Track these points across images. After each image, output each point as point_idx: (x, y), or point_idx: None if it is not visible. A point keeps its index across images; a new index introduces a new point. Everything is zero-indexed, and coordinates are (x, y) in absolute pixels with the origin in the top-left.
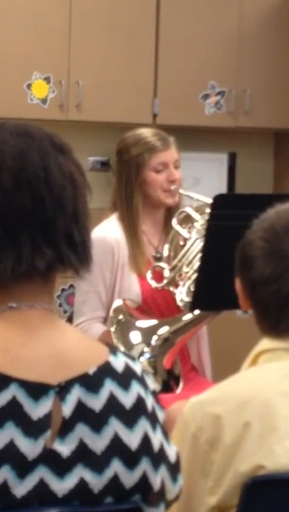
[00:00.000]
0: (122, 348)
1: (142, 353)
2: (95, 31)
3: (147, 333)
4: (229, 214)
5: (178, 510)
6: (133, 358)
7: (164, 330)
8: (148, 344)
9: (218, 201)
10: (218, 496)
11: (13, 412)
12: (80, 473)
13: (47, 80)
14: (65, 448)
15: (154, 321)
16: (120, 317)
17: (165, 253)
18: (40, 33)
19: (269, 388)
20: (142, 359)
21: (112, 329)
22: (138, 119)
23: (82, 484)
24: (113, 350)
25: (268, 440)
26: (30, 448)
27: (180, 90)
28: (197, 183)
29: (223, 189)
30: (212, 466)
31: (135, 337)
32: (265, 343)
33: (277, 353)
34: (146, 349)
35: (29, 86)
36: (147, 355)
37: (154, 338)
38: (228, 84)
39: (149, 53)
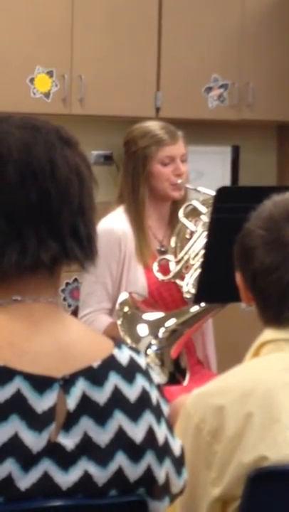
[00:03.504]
0: (129, 341)
1: (149, 346)
2: (98, 25)
3: (154, 326)
4: (232, 207)
5: (181, 501)
6: (138, 352)
7: (172, 322)
8: (155, 336)
9: (222, 194)
10: (221, 487)
11: (17, 405)
12: (85, 466)
13: (50, 74)
14: (69, 441)
15: (160, 314)
16: (127, 310)
17: (172, 245)
18: (42, 27)
19: (271, 379)
20: (150, 351)
21: (119, 322)
22: (141, 113)
23: (87, 477)
24: (118, 343)
25: (271, 431)
26: (34, 441)
27: (183, 83)
28: (200, 176)
29: (226, 182)
30: (215, 457)
31: (142, 330)
32: (268, 334)
33: (280, 343)
34: (153, 341)
35: (32, 80)
36: (154, 348)
37: (162, 330)
38: (231, 77)
39: (151, 47)
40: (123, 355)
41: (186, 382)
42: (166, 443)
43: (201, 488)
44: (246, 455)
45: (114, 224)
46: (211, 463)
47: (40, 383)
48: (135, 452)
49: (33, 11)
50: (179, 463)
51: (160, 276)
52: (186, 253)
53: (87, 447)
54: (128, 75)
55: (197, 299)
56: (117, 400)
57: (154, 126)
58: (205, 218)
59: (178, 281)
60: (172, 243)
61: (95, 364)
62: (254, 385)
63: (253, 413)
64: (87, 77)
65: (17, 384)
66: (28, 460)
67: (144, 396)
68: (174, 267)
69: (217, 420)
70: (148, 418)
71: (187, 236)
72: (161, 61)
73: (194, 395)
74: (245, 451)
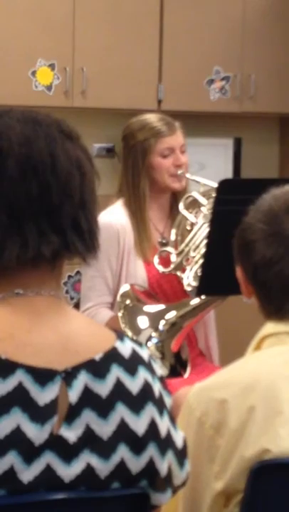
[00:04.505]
0: (129, 333)
1: (149, 338)
2: (99, 17)
3: (155, 318)
4: (234, 199)
5: (184, 494)
6: (140, 344)
7: (172, 314)
8: (156, 329)
9: (224, 186)
10: (224, 480)
11: (19, 398)
12: (87, 458)
13: (51, 66)
14: (71, 434)
15: (161, 306)
16: (128, 302)
17: (172, 237)
18: (44, 19)
19: (273, 372)
20: (150, 344)
21: (120, 314)
22: (143, 105)
23: (89, 470)
24: (120, 336)
25: (273, 424)
26: (36, 433)
27: (185, 76)
28: (202, 168)
29: (228, 174)
30: (218, 451)
31: (143, 322)
32: (269, 327)
33: (281, 337)
34: (153, 334)
35: (34, 73)
36: (155, 340)
37: (162, 322)
38: (233, 69)
39: (153, 39)
40: (125, 348)
41: (187, 375)
42: (169, 435)
43: (204, 481)
44: (249, 448)
45: (112, 218)
46: (214, 456)
47: (42, 376)
48: (137, 444)
49: (35, 4)
50: (181, 455)
51: (161, 268)
52: (186, 245)
53: (89, 440)
54: (130, 67)
55: (199, 291)
56: (119, 392)
57: (151, 118)
58: (205, 210)
59: (179, 274)
60: (172, 235)
61: (97, 357)
62: (256, 379)
63: (255, 406)
64: (89, 70)
65: (19, 377)
66: (30, 453)
67: (147, 388)
68: (174, 259)
69: (220, 414)
70: (150, 410)
71: (188, 228)
72: (163, 54)
73: (196, 388)
74: (247, 445)
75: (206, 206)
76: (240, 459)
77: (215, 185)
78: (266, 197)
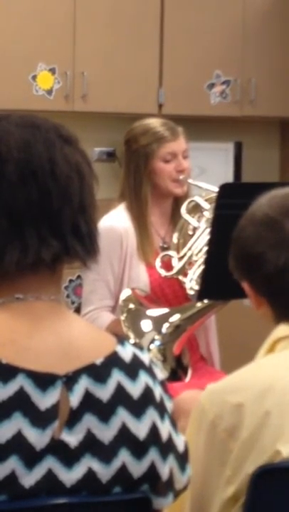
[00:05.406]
0: (132, 336)
1: (152, 341)
2: (100, 22)
3: (158, 321)
4: (235, 203)
5: (192, 498)
6: (141, 348)
7: (176, 318)
8: (159, 332)
9: (224, 190)
10: (235, 485)
11: (20, 403)
12: (88, 463)
13: (52, 71)
14: (72, 438)
15: (165, 310)
16: (131, 306)
17: (174, 241)
18: (44, 24)
19: (287, 376)
20: (152, 346)
21: (122, 318)
22: (144, 109)
23: (91, 474)
24: (121, 340)
25: (287, 427)
26: (38, 438)
27: (185, 80)
28: (203, 172)
29: (229, 178)
30: (230, 455)
31: (146, 325)
32: (281, 329)
33: None
34: (156, 336)
35: (34, 77)
36: (157, 343)
37: (165, 325)
38: (234, 73)
39: (154, 43)
40: (126, 352)
41: (188, 379)
42: (170, 439)
43: (214, 485)
44: (262, 455)
45: (115, 221)
46: (226, 460)
47: (43, 380)
48: (139, 449)
49: (36, 8)
50: (182, 459)
51: (163, 272)
52: (189, 249)
53: (90, 444)
54: (130, 71)
55: (200, 295)
56: (121, 396)
57: (154, 123)
58: (208, 214)
59: (181, 278)
60: (174, 239)
61: (98, 361)
62: (272, 382)
63: (270, 412)
64: (90, 74)
65: (20, 381)
66: (31, 457)
67: (148, 393)
68: (176, 263)
69: (235, 418)
70: (151, 415)
71: (190, 232)
72: (163, 58)
73: (209, 391)
74: (261, 451)
75: (209, 211)
76: (254, 464)
77: (216, 189)
78: (259, 205)
